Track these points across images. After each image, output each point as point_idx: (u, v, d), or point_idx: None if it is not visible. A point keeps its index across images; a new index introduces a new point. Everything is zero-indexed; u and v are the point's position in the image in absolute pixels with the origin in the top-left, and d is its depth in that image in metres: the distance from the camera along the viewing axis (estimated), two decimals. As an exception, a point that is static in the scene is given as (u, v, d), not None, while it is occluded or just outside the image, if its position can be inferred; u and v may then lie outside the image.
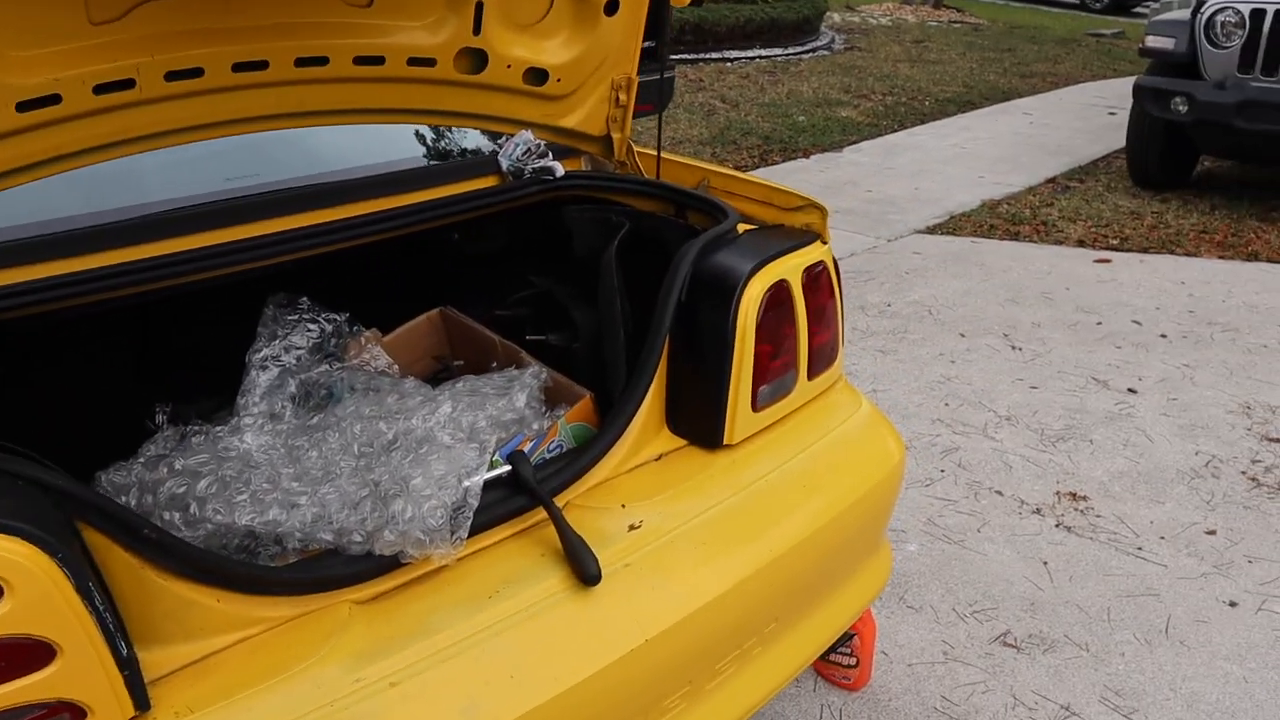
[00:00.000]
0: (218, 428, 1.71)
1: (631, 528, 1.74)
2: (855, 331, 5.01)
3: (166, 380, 2.13)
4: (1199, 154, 7.37)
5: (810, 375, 2.08)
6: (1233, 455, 3.88)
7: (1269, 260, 6.03)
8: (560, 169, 2.28)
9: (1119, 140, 8.60)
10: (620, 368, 1.97)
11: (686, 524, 1.79)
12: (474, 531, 1.61)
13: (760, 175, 7.93)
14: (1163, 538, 3.37)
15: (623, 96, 2.33)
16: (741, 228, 2.10)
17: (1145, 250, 6.22)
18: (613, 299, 2.00)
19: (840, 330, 2.18)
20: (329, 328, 1.97)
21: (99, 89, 1.63)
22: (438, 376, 2.26)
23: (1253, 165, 7.77)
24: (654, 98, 2.64)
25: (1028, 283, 5.66)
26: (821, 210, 2.13)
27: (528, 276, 2.44)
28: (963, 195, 7.33)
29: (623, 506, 1.77)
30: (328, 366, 1.95)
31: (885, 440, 2.19)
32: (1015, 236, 6.48)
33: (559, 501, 1.74)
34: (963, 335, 4.98)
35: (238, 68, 1.75)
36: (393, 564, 1.54)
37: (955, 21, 16.88)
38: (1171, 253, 6.18)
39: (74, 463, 1.68)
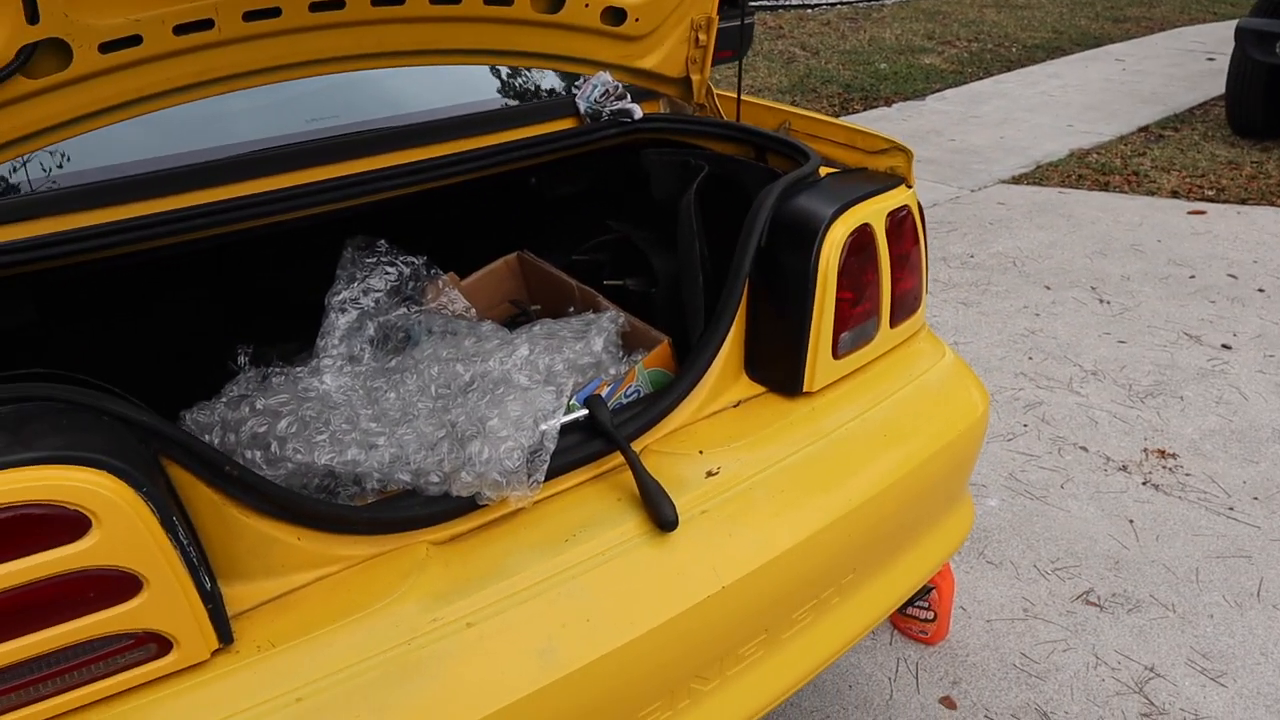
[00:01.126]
0: (297, 369, 1.72)
1: (709, 474, 1.72)
2: (937, 283, 4.90)
3: (249, 322, 2.16)
4: (1304, 100, 7.04)
5: (893, 323, 2.03)
6: (1333, 414, 3.72)
7: (1377, 212, 5.76)
8: (639, 111, 2.24)
9: (1217, 87, 8.26)
10: (699, 313, 1.94)
11: (764, 471, 1.75)
12: (551, 475, 1.60)
13: (839, 124, 7.78)
14: (1256, 498, 3.25)
15: (702, 37, 2.27)
16: (823, 171, 2.04)
17: (1243, 201, 5.97)
18: (691, 243, 1.96)
19: (924, 277, 2.11)
20: (407, 270, 1.96)
21: (179, 29, 1.63)
22: (515, 320, 2.26)
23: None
24: (734, 44, 2.58)
25: (1117, 234, 5.48)
26: (906, 153, 2.06)
27: (606, 221, 2.41)
28: (1050, 144, 7.10)
29: (700, 453, 1.75)
30: (406, 310, 1.95)
31: (969, 390, 2.12)
32: (1105, 187, 6.27)
33: (636, 447, 1.72)
34: (1048, 288, 4.84)
35: (315, 8, 1.73)
36: (470, 505, 1.54)
37: (1045, -35, 16.27)
38: (1271, 204, 5.92)
39: (161, 401, 1.70)
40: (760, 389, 1.94)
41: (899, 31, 10.96)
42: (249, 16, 1.68)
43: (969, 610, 2.79)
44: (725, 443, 1.78)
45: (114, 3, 1.57)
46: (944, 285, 4.88)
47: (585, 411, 1.69)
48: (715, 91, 2.39)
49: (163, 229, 1.74)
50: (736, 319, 1.86)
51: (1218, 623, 2.74)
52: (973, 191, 6.22)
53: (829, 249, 1.83)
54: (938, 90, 8.76)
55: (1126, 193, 6.18)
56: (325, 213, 1.92)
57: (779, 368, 1.90)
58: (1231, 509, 3.20)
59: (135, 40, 1.63)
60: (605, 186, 2.49)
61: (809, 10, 12.04)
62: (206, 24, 1.66)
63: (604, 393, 1.83)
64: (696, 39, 2.27)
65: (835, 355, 1.91)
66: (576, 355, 1.73)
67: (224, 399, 1.68)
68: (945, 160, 6.80)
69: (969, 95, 8.62)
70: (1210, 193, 6.11)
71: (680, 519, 1.60)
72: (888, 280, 1.97)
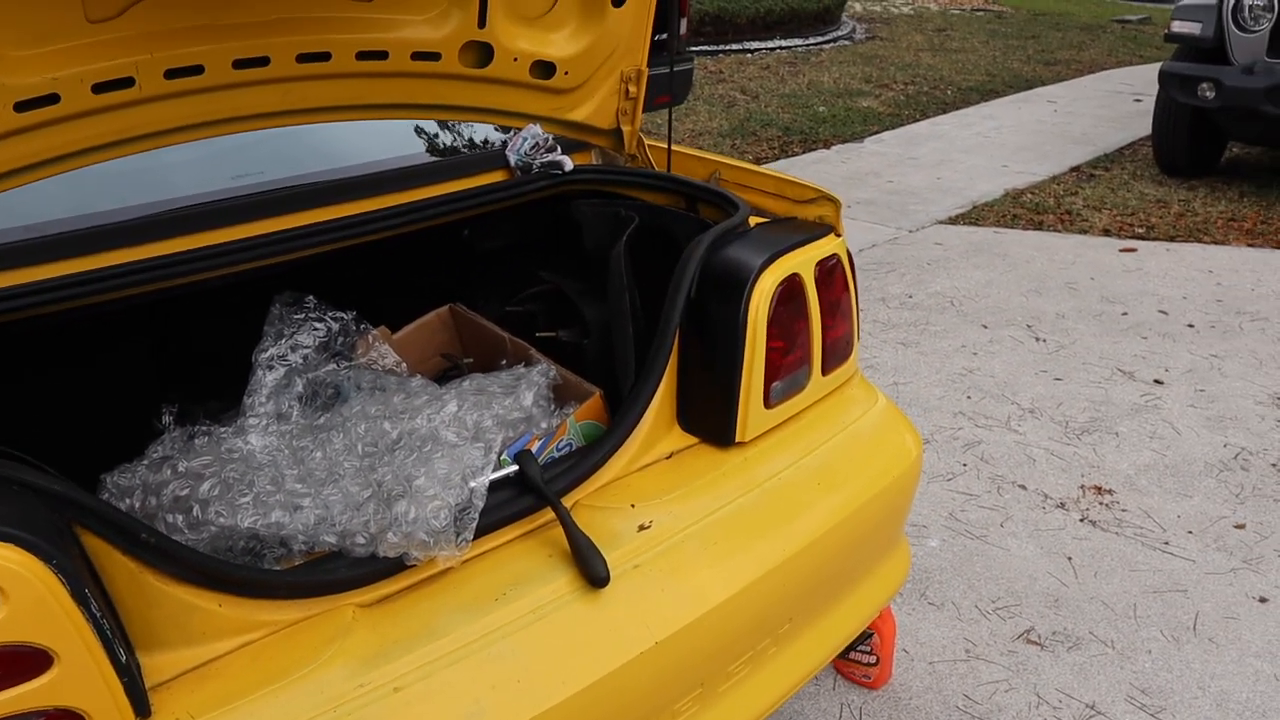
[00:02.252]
0: (222, 428, 1.69)
1: (641, 528, 1.71)
2: (876, 324, 4.95)
3: (175, 381, 2.12)
4: (1226, 140, 7.25)
5: (824, 370, 2.04)
6: (1262, 447, 3.80)
7: (1299, 248, 5.93)
8: (569, 163, 2.25)
9: (1145, 128, 8.49)
10: (630, 364, 1.94)
11: (697, 524, 1.75)
12: (480, 533, 1.58)
13: (781, 167, 7.88)
14: (1190, 532, 3.30)
15: (633, 89, 2.30)
16: (753, 221, 2.06)
17: (1172, 239, 6.13)
18: (622, 295, 1.97)
19: (855, 324, 2.14)
20: (336, 326, 1.95)
21: (98, 88, 1.62)
22: (447, 374, 2.24)
23: (1283, 151, 7.65)
24: (667, 89, 2.61)
25: (1052, 273, 5.59)
26: (835, 202, 2.09)
27: (538, 272, 2.41)
28: (985, 185, 7.24)
29: (632, 506, 1.74)
30: (335, 365, 1.93)
31: (902, 435, 2.14)
32: (1039, 226, 6.40)
33: (567, 501, 1.71)
34: (985, 327, 4.92)
35: (239, 64, 1.73)
36: (397, 566, 1.52)
37: (978, 9, 16.72)
38: (1199, 241, 6.08)
39: (83, 464, 1.67)
40: (693, 440, 1.94)
41: (837, 75, 11.16)
42: (171, 74, 1.67)
43: (911, 652, 2.80)
44: (658, 495, 1.78)
45: (30, 61, 1.55)
46: (883, 326, 4.93)
47: (515, 467, 1.68)
48: (646, 141, 2.41)
49: (84, 289, 1.71)
50: (668, 371, 1.87)
51: (1156, 658, 2.77)
52: (910, 232, 6.32)
53: (758, 299, 1.85)
54: (875, 132, 8.90)
55: (1060, 231, 6.31)
56: (254, 269, 1.90)
57: (711, 419, 1.91)
58: (1167, 544, 3.25)
59: (53, 99, 1.61)
60: (537, 238, 2.50)
61: (749, 55, 12.22)
62: (127, 82, 1.64)
63: (534, 447, 1.82)
64: (627, 91, 2.30)
65: (767, 405, 1.92)
66: (506, 410, 1.72)
67: (146, 461, 1.65)
68: (883, 201, 6.90)
69: (906, 137, 8.77)
70: (1140, 230, 6.26)
71: (612, 574, 1.59)
72: (818, 329, 1.98)
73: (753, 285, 1.85)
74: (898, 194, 7.07)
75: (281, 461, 1.61)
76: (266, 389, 1.83)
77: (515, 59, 2.05)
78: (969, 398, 4.22)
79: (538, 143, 2.18)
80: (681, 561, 1.69)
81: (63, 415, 2.09)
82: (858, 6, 16.20)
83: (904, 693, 2.67)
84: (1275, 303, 5.13)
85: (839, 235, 2.09)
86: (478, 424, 1.66)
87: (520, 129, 2.23)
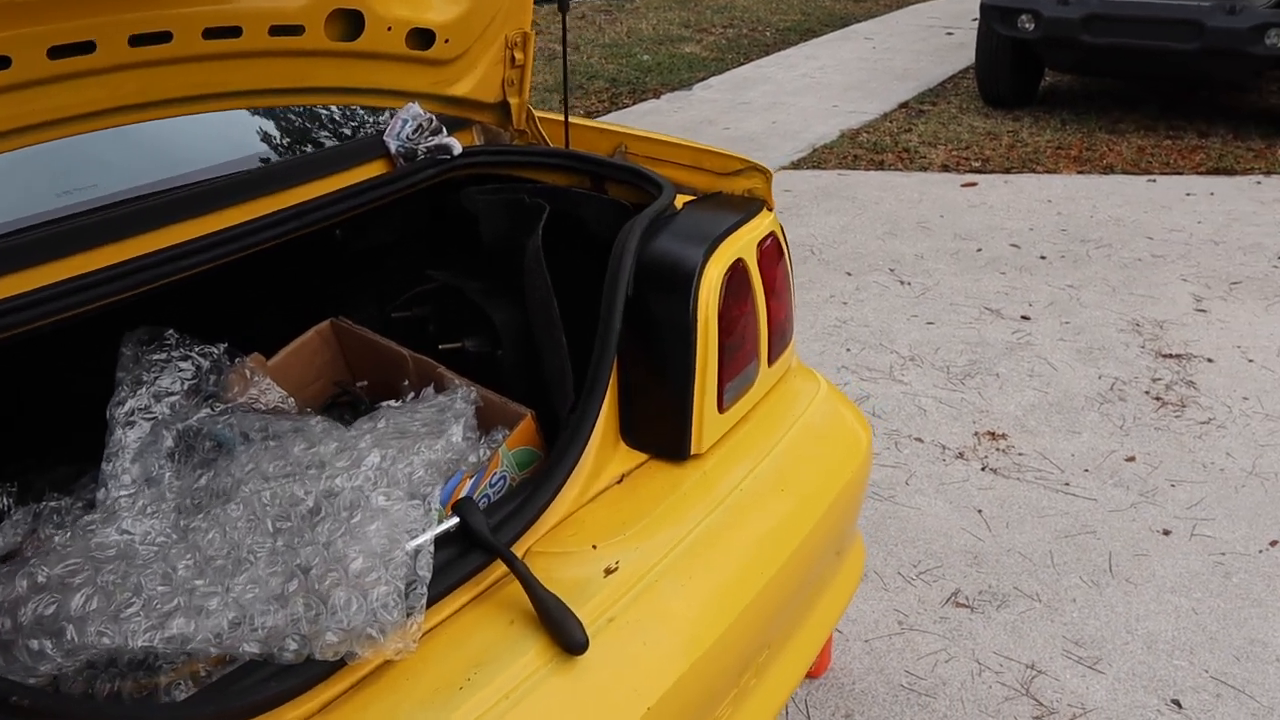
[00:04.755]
0: (86, 518, 1.35)
1: (608, 571, 1.48)
2: (742, 280, 4.81)
3: None
4: (1043, 70, 7.43)
5: (770, 360, 1.85)
6: (1133, 375, 3.87)
7: (1124, 172, 6.12)
8: (457, 146, 1.95)
9: (962, 60, 8.66)
10: (566, 378, 1.67)
11: (668, 558, 1.53)
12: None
13: (614, 119, 7.62)
14: (1086, 470, 3.31)
15: (518, 55, 2.02)
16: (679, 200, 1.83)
17: (1008, 170, 6.23)
18: (547, 298, 1.69)
19: (792, 304, 1.95)
20: (206, 363, 1.61)
21: None
22: (337, 402, 1.93)
23: (1093, 78, 7.91)
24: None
25: (902, 213, 5.58)
26: (765, 174, 1.89)
27: (426, 270, 2.11)
28: (821, 127, 7.20)
29: (594, 547, 1.50)
30: (209, 411, 1.60)
31: (850, 422, 1.98)
32: (881, 166, 6.40)
33: (518, 549, 1.45)
34: (849, 274, 4.85)
35: (55, 53, 1.36)
36: (336, 664, 1.24)
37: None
38: (1033, 171, 6.20)
39: None
40: (642, 457, 1.71)
41: (655, 22, 10.95)
42: (-34, 72, 1.30)
43: (846, 632, 2.67)
44: (619, 530, 1.54)
45: None
46: (750, 282, 4.80)
47: (455, 520, 1.41)
48: (537, 114, 2.13)
49: None
50: (610, 383, 1.63)
51: (1081, 606, 2.74)
52: (757, 180, 6.20)
53: (706, 293, 1.63)
54: (703, 79, 8.76)
55: (902, 170, 6.32)
56: (88, 311, 1.53)
57: (662, 432, 1.68)
58: (1068, 484, 3.24)
59: None
60: (418, 231, 2.19)
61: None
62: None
63: (466, 488, 1.55)
64: (512, 58, 2.01)
65: (721, 409, 1.71)
66: (438, 454, 1.45)
67: (-13, 567, 1.30)
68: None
69: (734, 82, 8.66)
70: (976, 164, 6.34)
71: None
72: (764, 316, 1.79)
73: (699, 277, 1.62)
74: (737, 141, 6.94)
75: (171, 551, 1.29)
76: (130, 451, 1.49)
77: (389, 28, 1.73)
78: (849, 350, 4.13)
79: (421, 124, 1.87)
80: (658, 606, 1.47)
81: None
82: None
83: (845, 677, 2.54)
84: (1114, 229, 5.27)
85: (771, 209, 1.88)
86: (409, 476, 1.38)
87: (397, 110, 1.91)
